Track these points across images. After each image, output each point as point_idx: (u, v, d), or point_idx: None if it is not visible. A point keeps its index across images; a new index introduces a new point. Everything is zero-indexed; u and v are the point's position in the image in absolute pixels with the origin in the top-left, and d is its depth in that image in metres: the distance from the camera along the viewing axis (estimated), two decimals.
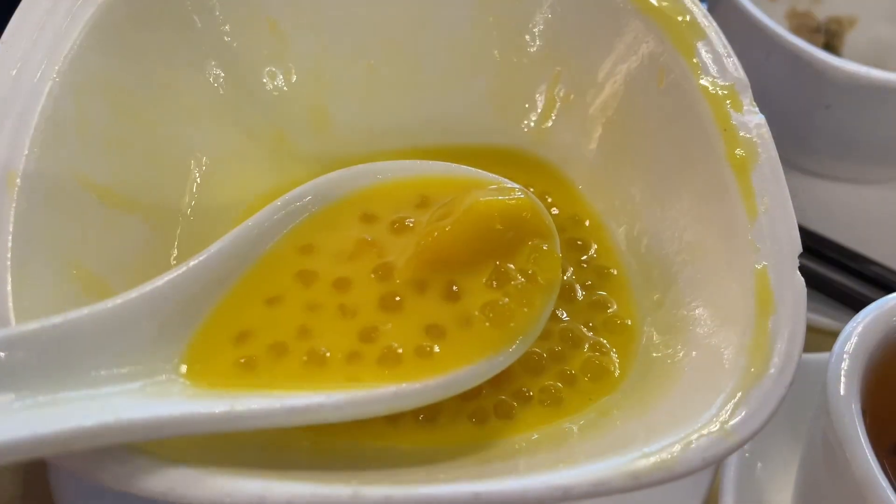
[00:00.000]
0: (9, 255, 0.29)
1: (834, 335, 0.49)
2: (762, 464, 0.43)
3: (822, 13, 0.69)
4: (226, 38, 0.41)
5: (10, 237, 0.29)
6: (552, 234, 0.34)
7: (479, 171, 0.37)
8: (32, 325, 0.27)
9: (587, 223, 0.41)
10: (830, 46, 0.67)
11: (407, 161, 0.38)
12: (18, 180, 0.30)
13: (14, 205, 0.30)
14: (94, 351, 0.28)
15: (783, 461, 0.43)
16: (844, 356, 0.36)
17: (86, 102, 0.34)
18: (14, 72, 0.32)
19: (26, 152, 0.31)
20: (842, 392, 0.35)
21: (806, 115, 0.56)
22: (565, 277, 0.39)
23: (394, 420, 0.33)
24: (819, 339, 0.49)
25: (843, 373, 0.35)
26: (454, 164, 0.37)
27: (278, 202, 0.35)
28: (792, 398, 0.42)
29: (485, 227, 0.33)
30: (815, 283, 0.53)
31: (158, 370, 0.29)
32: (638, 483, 0.27)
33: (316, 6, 0.43)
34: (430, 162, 0.38)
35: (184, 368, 0.30)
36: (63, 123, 0.33)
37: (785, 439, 0.43)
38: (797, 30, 0.66)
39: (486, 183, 0.36)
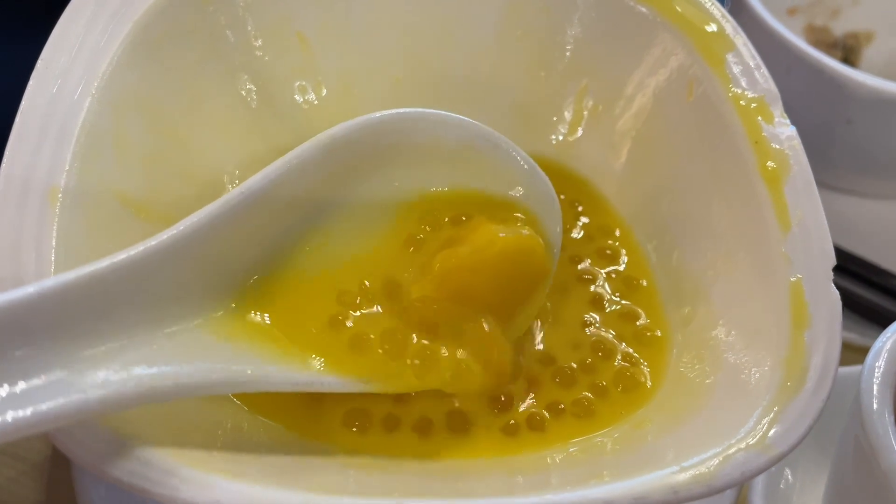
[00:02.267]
0: (52, 270, 0.29)
1: (857, 349, 0.49)
2: (791, 475, 0.43)
3: (839, 28, 0.69)
4: (257, 53, 0.41)
5: (52, 252, 0.29)
6: (548, 276, 0.36)
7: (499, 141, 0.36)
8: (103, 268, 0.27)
9: (617, 233, 0.41)
10: (848, 62, 0.67)
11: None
12: (60, 195, 0.31)
13: (56, 220, 0.30)
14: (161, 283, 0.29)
15: (812, 472, 0.43)
16: (877, 369, 0.36)
17: (123, 118, 0.34)
18: (54, 88, 0.33)
19: (67, 167, 0.31)
20: (875, 406, 0.35)
21: (827, 129, 0.56)
22: (593, 288, 0.39)
23: (426, 433, 0.33)
24: (845, 353, 0.48)
25: (875, 386, 0.36)
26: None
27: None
28: (826, 409, 0.42)
29: (504, 265, 0.34)
30: (842, 299, 0.53)
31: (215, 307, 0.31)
32: (677, 497, 0.27)
33: (344, 21, 0.43)
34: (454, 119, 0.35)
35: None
36: (101, 139, 0.33)
37: (814, 451, 0.43)
38: (815, 45, 0.66)
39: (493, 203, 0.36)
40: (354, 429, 0.33)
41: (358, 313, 0.33)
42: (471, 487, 0.30)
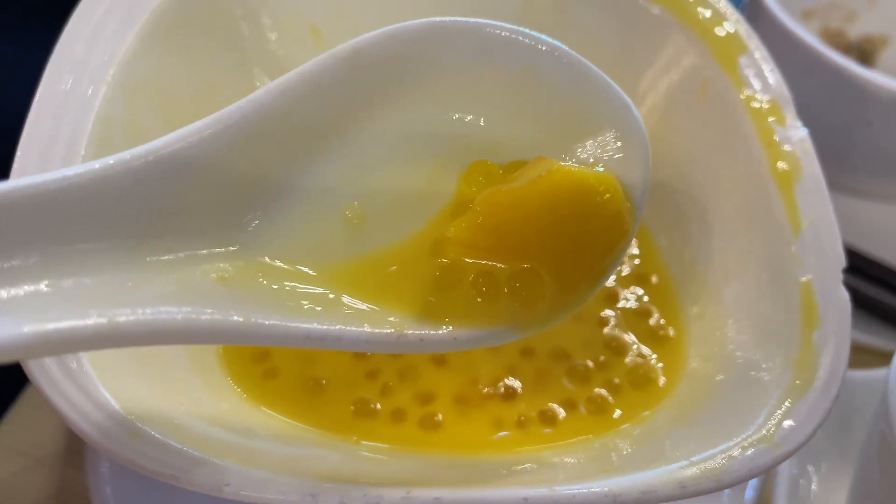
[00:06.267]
0: None
1: (879, 354, 0.50)
2: (815, 479, 0.43)
3: (854, 32, 0.69)
4: (271, 46, 0.41)
5: None
6: (626, 234, 0.27)
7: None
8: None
9: None
10: (862, 65, 0.67)
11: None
12: None
13: None
14: None
15: (835, 475, 0.43)
16: None
17: (137, 107, 0.35)
18: (70, 76, 0.33)
19: (83, 153, 0.31)
20: None
21: (846, 132, 0.56)
22: (611, 283, 0.39)
23: (434, 426, 0.34)
24: (865, 357, 0.49)
25: None
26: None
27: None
28: (846, 413, 0.43)
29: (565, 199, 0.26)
30: (861, 302, 0.53)
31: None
32: (685, 491, 0.27)
33: (357, 15, 0.43)
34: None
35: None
36: (115, 127, 0.33)
37: (837, 453, 0.43)
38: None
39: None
40: (360, 419, 0.33)
41: (394, 268, 0.27)
42: (479, 478, 0.30)
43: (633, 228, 0.28)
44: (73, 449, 0.42)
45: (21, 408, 0.44)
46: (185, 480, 0.25)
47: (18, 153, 0.31)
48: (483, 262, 0.26)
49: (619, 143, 0.28)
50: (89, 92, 0.33)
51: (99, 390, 0.27)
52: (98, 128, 0.32)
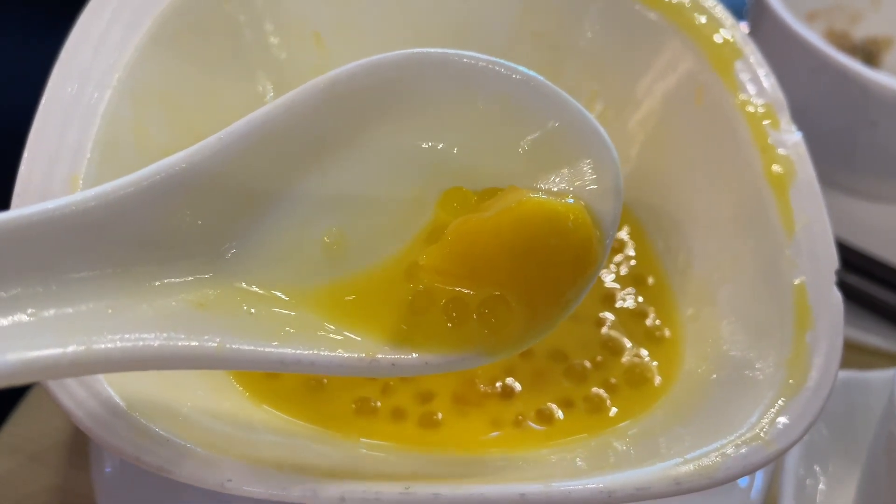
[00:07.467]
0: None
1: (885, 355, 0.50)
2: (822, 480, 0.43)
3: (858, 33, 0.69)
4: (274, 51, 0.42)
5: None
6: (595, 263, 0.28)
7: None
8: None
9: (627, 229, 0.42)
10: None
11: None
12: (81, 182, 0.31)
13: None
14: None
15: (843, 476, 0.43)
16: None
17: (142, 111, 0.35)
18: (77, 79, 0.33)
19: (88, 156, 0.32)
20: None
21: (850, 133, 0.56)
22: (604, 284, 0.40)
23: (433, 424, 0.34)
24: (870, 358, 0.50)
25: None
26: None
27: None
28: (852, 413, 0.43)
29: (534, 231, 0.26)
30: (864, 302, 0.53)
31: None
32: (679, 488, 0.28)
33: (358, 21, 0.44)
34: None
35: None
36: (121, 131, 0.34)
37: (845, 455, 0.44)
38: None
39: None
40: (360, 418, 0.34)
41: (368, 293, 0.28)
42: (478, 475, 0.30)
43: (603, 257, 0.28)
44: (77, 448, 0.43)
45: (25, 407, 0.44)
46: (187, 476, 0.26)
47: (25, 156, 0.31)
48: (455, 289, 0.27)
49: (591, 174, 0.28)
50: (95, 96, 0.33)
51: (104, 387, 0.27)
52: (104, 132, 0.33)
